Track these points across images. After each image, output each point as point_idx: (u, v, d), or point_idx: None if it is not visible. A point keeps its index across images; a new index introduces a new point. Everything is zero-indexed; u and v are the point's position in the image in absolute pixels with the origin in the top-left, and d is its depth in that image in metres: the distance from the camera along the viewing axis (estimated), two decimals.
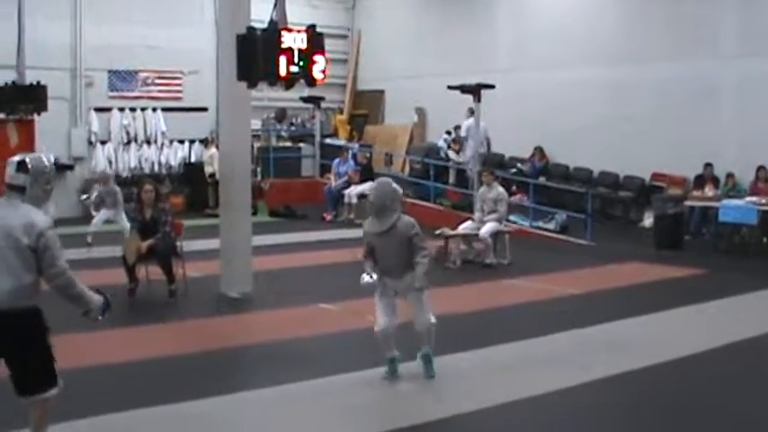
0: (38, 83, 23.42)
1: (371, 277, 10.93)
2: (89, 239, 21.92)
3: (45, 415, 7.89)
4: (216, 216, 18.80)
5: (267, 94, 24.11)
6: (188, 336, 13.85)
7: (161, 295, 16.10)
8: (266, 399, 10.25)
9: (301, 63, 13.52)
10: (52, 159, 8.20)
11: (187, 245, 17.28)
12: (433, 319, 11.09)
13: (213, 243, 17.70)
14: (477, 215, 20.65)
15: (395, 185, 11.04)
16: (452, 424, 9.41)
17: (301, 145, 33.48)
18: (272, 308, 15.60)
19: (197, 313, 15.41)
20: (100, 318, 7.89)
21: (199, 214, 27.78)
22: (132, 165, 31.23)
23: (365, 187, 28.25)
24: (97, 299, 7.87)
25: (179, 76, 32.33)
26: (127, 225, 21.43)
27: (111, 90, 31.37)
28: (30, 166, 7.84)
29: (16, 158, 7.90)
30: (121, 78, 31.50)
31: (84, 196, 24.49)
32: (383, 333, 10.90)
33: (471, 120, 28.06)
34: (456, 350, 12.29)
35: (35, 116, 25.29)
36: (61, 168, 25.18)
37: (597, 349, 12.67)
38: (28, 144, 29.27)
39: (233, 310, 15.66)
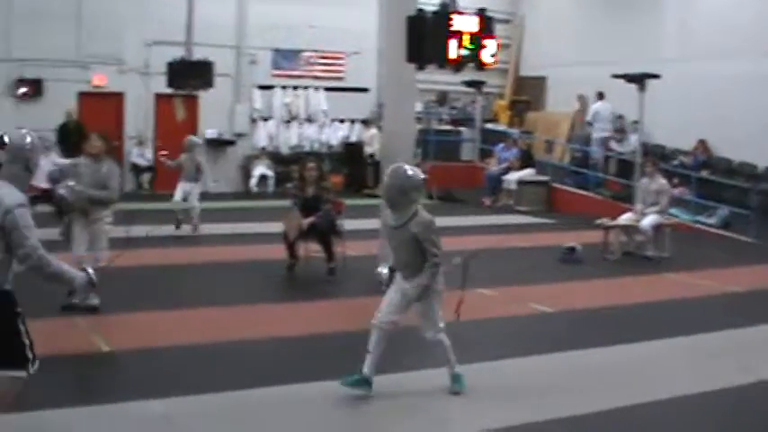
0: (205, 59, 23.79)
1: (385, 269, 9.98)
2: (180, 216, 21.23)
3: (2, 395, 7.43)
4: (374, 196, 18.84)
5: (429, 77, 24.06)
6: (345, 314, 13.88)
7: (320, 273, 16.23)
8: (424, 380, 10.22)
9: (471, 46, 13.48)
10: (33, 138, 7.56)
11: (346, 224, 17.35)
12: (439, 335, 9.63)
13: (371, 223, 17.75)
14: (638, 207, 20.29)
15: (411, 172, 9.34)
16: (613, 417, 9.24)
17: (461, 129, 33.44)
18: None
19: (355, 292, 15.49)
20: (86, 296, 7.33)
21: (357, 194, 27.98)
22: (293, 143, 31.60)
23: (524, 173, 28.25)
24: (81, 276, 7.41)
25: (341, 56, 32.54)
26: (197, 204, 21.06)
27: (275, 68, 31.76)
28: (7, 143, 7.55)
29: None
30: (285, 57, 31.83)
31: (164, 153, 23.47)
32: (376, 326, 9.61)
33: (599, 103, 28.12)
34: (616, 342, 12.13)
35: (200, 92, 25.71)
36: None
37: (760, 350, 12.35)
38: (192, 119, 29.86)
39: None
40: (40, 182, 18.04)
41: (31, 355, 7.35)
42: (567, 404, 9.44)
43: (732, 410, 9.72)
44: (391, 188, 9.16)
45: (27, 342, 7.33)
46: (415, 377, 10.40)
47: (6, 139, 7.69)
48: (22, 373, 7.37)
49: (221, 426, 8.64)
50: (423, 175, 9.49)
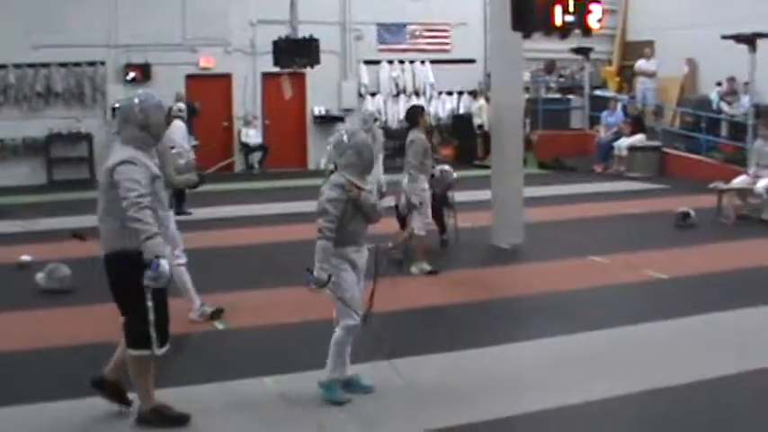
0: (310, 36, 23.88)
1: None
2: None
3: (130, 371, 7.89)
4: (484, 167, 18.83)
5: (535, 46, 23.79)
6: (459, 285, 13.91)
7: (432, 245, 16.22)
8: (533, 351, 10.22)
9: (577, 12, 13.36)
10: (144, 98, 7.85)
11: (457, 195, 17.31)
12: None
13: (482, 194, 17.73)
14: (752, 170, 19.95)
15: None
16: (728, 382, 9.10)
17: (570, 97, 33.19)
18: (542, 260, 15.53)
19: (468, 263, 15.48)
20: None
21: (467, 165, 27.89)
22: (401, 116, 31.58)
23: (636, 139, 27.94)
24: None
25: (447, 28, 32.45)
26: (381, 178, 21.36)
27: (380, 43, 31.82)
28: (118, 108, 7.94)
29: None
30: (390, 31, 31.86)
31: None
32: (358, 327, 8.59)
33: None
34: (733, 307, 11.92)
35: (307, 70, 25.85)
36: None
37: None
38: (300, 97, 30.04)
39: (504, 261, 15.66)
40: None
41: (154, 334, 7.62)
42: (682, 371, 9.30)
43: None
44: (371, 152, 8.63)
45: (151, 319, 7.59)
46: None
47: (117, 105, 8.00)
48: (146, 353, 7.68)
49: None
50: None
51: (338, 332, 8.50)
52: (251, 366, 9.51)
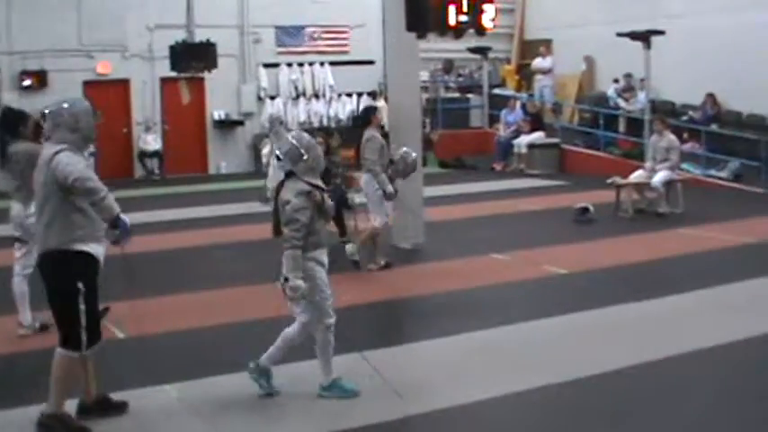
0: (207, 41, 23.76)
1: None
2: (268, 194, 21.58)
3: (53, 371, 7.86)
4: None
5: (433, 46, 23.89)
6: (362, 286, 13.90)
7: (332, 247, 16.17)
8: (438, 349, 10.27)
9: (470, 12, 13.45)
10: (72, 103, 8.01)
11: (358, 197, 17.30)
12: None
13: None
14: (648, 164, 20.28)
15: None
16: (631, 374, 9.24)
17: (469, 96, 33.41)
18: (444, 258, 15.61)
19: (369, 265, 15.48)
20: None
21: None
22: (301, 119, 31.56)
23: (535, 137, 28.21)
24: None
25: (345, 29, 32.47)
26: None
27: (279, 46, 31.73)
28: (47, 114, 7.97)
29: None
30: (288, 34, 31.79)
31: None
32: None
33: None
34: (633, 299, 12.12)
35: (205, 74, 25.73)
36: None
37: None
38: (199, 101, 29.90)
39: (406, 260, 15.69)
40: None
41: (84, 337, 7.72)
42: (584, 364, 9.43)
43: (762, 359, 9.76)
44: (319, 149, 8.81)
45: (83, 323, 7.69)
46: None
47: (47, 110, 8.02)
48: (75, 354, 7.76)
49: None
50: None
51: (319, 335, 8.70)
52: (151, 374, 9.39)
